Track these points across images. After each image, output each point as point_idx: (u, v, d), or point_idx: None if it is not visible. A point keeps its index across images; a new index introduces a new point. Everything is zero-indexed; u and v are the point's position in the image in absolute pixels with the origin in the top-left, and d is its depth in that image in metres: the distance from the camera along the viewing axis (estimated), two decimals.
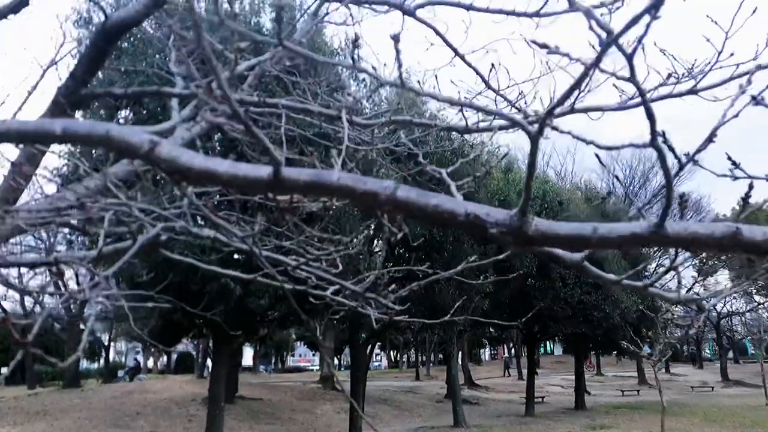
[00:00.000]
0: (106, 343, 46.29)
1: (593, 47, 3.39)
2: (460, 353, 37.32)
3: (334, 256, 1.50)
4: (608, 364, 60.52)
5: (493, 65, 2.75)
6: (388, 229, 1.20)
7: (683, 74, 3.11)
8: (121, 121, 15.58)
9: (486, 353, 75.04)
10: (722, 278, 47.16)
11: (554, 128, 0.83)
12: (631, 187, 43.78)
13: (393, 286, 1.62)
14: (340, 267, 1.67)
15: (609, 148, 0.93)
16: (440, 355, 55.85)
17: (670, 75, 2.91)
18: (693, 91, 2.75)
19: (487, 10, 4.31)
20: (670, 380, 43.41)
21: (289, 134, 5.33)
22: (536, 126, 0.83)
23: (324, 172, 1.00)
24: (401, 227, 1.29)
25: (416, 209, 0.96)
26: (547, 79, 3.88)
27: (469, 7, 4.37)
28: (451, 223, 0.94)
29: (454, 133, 16.34)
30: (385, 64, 4.49)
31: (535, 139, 0.85)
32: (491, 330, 38.65)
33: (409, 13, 4.40)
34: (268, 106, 3.59)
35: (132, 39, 14.44)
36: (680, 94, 2.76)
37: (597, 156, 1.23)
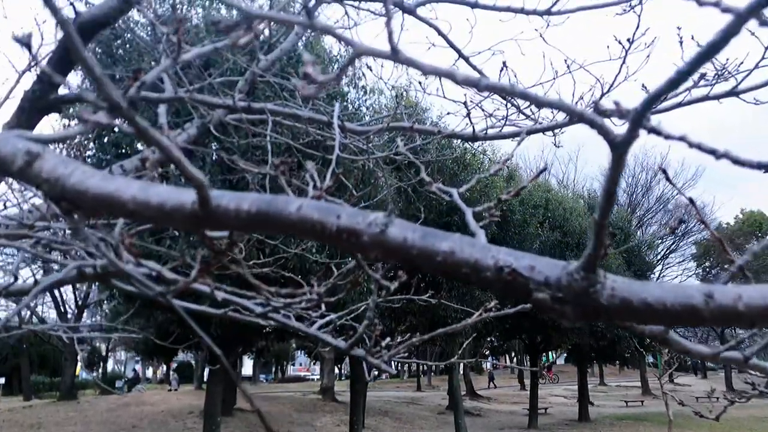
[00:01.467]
0: (104, 353, 45.86)
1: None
2: (461, 363, 36.86)
3: (311, 304, 1.17)
4: (611, 374, 59.98)
5: (504, 63, 2.42)
6: (376, 283, 0.87)
7: (715, 75, 2.78)
8: (115, 129, 15.27)
9: (488, 363, 74.43)
10: None
11: (653, 131, 0.49)
12: (634, 196, 43.44)
13: (387, 340, 1.29)
14: (323, 308, 1.34)
15: (762, 167, 0.59)
16: (441, 365, 55.33)
17: (702, 76, 2.58)
18: (733, 93, 2.41)
19: (493, 8, 3.98)
20: (674, 390, 42.89)
21: (279, 144, 5.00)
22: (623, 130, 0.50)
23: (278, 199, 0.66)
24: (397, 276, 0.96)
25: (418, 257, 0.62)
26: (559, 82, 3.56)
27: (474, 5, 4.04)
28: (473, 279, 0.60)
29: (455, 141, 16.03)
30: (382, 66, 4.17)
31: (621, 149, 0.52)
32: (493, 340, 38.26)
33: (409, 11, 4.07)
34: (254, 111, 3.26)
35: (127, 45, 14.18)
36: (718, 96, 2.42)
37: (664, 171, 0.89)
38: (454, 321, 18.74)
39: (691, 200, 0.87)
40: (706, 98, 2.49)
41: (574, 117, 0.53)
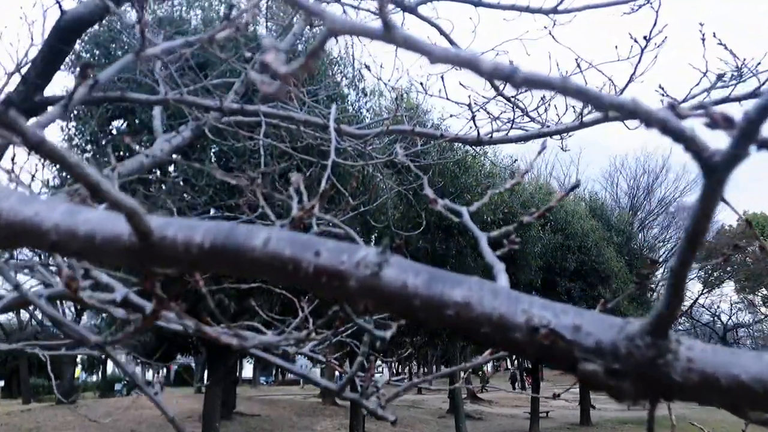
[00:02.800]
0: (103, 356, 45.67)
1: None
2: (463, 371, 36.56)
3: (295, 340, 1.01)
4: None
5: (511, 63, 2.26)
6: (368, 335, 0.72)
7: (732, 74, 2.63)
8: (114, 132, 15.11)
9: (489, 366, 74.27)
10: (728, 290, 46.65)
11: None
12: (636, 198, 43.27)
13: (388, 378, 1.13)
14: (315, 340, 1.19)
15: None
16: (442, 367, 55.06)
17: (720, 76, 2.43)
18: (755, 95, 2.26)
19: (497, 6, 3.83)
20: None
21: (276, 148, 4.84)
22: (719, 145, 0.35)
23: (240, 231, 0.51)
24: (392, 320, 0.81)
25: (422, 309, 0.47)
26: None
27: (477, 3, 3.89)
28: (495, 340, 0.45)
29: (457, 143, 15.89)
30: (382, 66, 4.02)
31: (720, 172, 0.37)
32: None
33: (410, 9, 3.93)
34: (247, 113, 3.11)
35: (125, 47, 14.05)
36: (739, 98, 2.27)
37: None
38: None
39: (748, 222, 0.72)
40: (726, 100, 2.34)
41: (652, 125, 0.38)
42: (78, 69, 1.04)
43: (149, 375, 61.00)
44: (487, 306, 0.45)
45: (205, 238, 0.50)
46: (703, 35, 2.31)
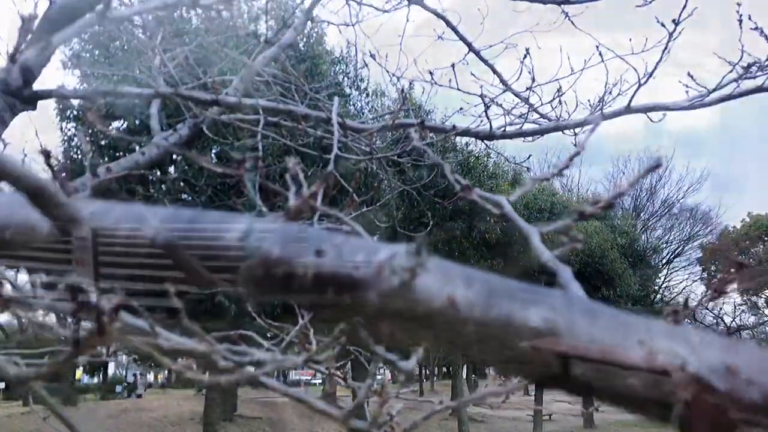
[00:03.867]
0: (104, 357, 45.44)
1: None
2: (465, 367, 36.47)
3: (292, 365, 0.86)
4: None
5: (527, 51, 2.11)
6: (383, 361, 0.58)
7: (759, 65, 2.47)
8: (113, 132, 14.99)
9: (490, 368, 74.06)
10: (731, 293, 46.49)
11: None
12: (638, 200, 43.10)
13: (397, 410, 0.97)
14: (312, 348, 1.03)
15: None
16: (444, 369, 54.88)
17: (750, 66, 2.27)
18: None
19: None
20: None
21: (278, 145, 4.70)
22: None
23: (207, 217, 0.35)
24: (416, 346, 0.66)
25: (479, 336, 0.31)
26: (578, 77, 3.26)
27: None
28: (596, 386, 0.29)
29: (459, 143, 15.65)
30: (387, 57, 3.89)
31: None
32: None
33: (415, 1, 3.78)
34: (246, 108, 2.96)
35: (125, 46, 13.96)
36: None
37: None
38: None
39: None
40: (760, 90, 2.19)
41: None
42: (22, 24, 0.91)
43: (150, 377, 60.90)
44: (583, 334, 0.29)
45: (158, 230, 0.35)
46: (740, 16, 2.13)
